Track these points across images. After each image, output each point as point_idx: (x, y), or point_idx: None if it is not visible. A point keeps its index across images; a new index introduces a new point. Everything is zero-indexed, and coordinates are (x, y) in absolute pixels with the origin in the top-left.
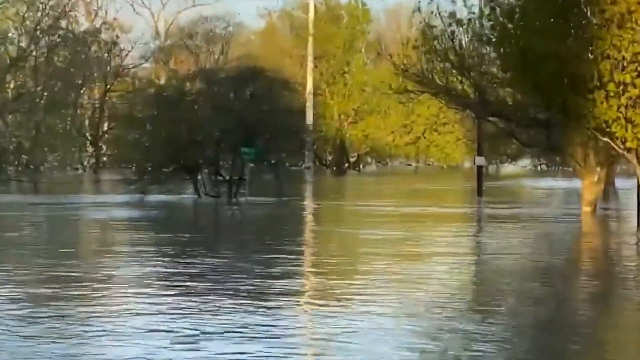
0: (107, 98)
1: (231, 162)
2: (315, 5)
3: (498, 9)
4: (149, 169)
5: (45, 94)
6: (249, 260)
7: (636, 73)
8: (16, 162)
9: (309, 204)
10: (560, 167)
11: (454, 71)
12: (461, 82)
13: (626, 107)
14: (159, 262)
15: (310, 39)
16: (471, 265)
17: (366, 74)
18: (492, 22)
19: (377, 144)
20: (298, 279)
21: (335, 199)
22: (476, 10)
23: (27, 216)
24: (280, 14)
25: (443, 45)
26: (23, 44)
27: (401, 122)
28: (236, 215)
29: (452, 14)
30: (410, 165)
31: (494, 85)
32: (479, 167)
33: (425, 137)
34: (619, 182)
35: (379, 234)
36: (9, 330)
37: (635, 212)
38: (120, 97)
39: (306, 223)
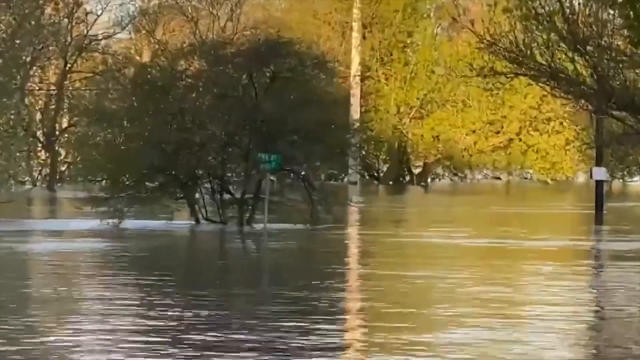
0: (67, 82)
1: (243, 175)
2: None
3: None
4: (127, 183)
5: None
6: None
7: None
8: None
9: (354, 235)
10: None
11: (562, 45)
12: (572, 60)
13: None
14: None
15: None
16: (590, 338)
17: (436, 48)
18: None
19: (452, 149)
20: None
21: (391, 227)
22: None
23: None
24: None
25: (547, 8)
26: None
27: (486, 118)
28: (250, 253)
29: None
30: (499, 178)
31: (620, 66)
32: (599, 183)
33: (520, 140)
34: None
35: (452, 279)
36: None
37: None
38: (86, 80)
39: (351, 265)
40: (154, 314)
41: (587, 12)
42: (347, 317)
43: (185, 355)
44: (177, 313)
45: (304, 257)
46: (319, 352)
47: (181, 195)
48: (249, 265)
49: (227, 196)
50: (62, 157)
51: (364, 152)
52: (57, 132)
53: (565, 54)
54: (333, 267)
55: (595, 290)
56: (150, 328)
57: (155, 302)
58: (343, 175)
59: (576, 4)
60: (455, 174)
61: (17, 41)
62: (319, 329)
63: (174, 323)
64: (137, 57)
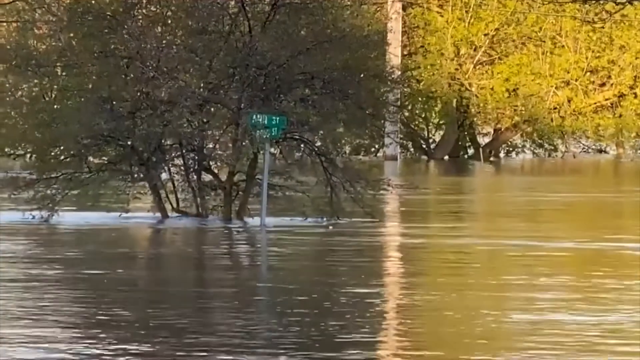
0: None
1: (231, 146)
2: None
3: None
4: (61, 158)
5: None
6: None
7: None
8: None
9: (393, 233)
10: None
11: None
12: None
13: None
14: None
15: None
16: None
17: None
18: None
19: (536, 109)
20: None
21: (449, 222)
22: None
23: None
24: None
25: None
26: None
27: (586, 64)
28: (241, 264)
29: None
30: (604, 152)
31: None
32: None
33: (636, 96)
34: None
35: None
36: None
37: None
38: (2, 9)
39: (391, 283)
40: None
41: None
42: None
43: None
44: None
45: (325, 272)
46: None
47: (140, 176)
48: (246, 286)
49: (207, 177)
50: None
51: (407, 114)
52: None
53: None
54: (371, 291)
55: None
56: None
57: None
58: (377, 147)
59: None
60: (541, 145)
61: None
62: None
63: None
64: None
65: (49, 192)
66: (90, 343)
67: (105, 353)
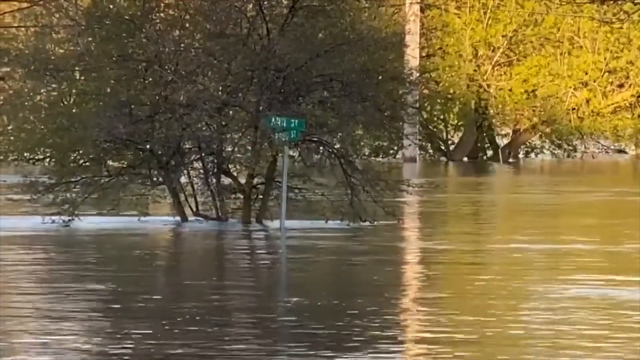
0: None
1: (250, 149)
2: None
3: None
4: (81, 162)
5: None
6: None
7: None
8: None
9: (414, 238)
10: None
11: None
12: None
13: None
14: None
15: None
16: None
17: None
18: None
19: (555, 110)
20: None
21: (472, 227)
22: None
23: None
24: None
25: None
26: None
27: (605, 65)
28: (263, 268)
29: None
30: (624, 152)
31: None
32: None
33: None
34: None
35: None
36: None
37: None
38: (20, 14)
39: (421, 289)
40: None
41: None
42: None
43: None
44: None
45: (351, 278)
46: None
47: (160, 180)
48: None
49: (226, 180)
50: None
51: (426, 115)
52: None
53: None
54: (397, 298)
55: None
56: None
57: None
58: (396, 149)
59: None
60: (560, 146)
61: None
62: None
63: None
64: None
65: (68, 196)
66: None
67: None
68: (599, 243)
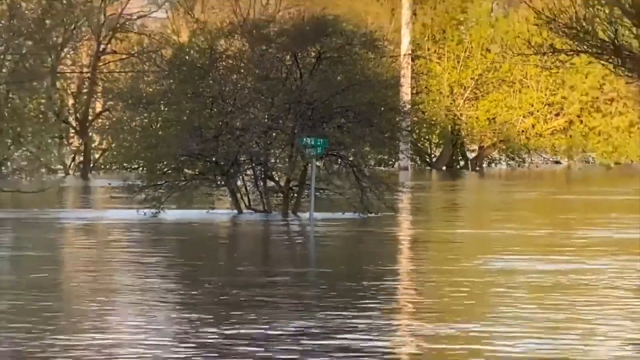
0: (100, 64)
1: (287, 161)
2: None
3: None
4: (165, 170)
5: (8, 58)
6: None
7: None
8: None
9: (407, 224)
10: None
11: (625, 20)
12: (637, 36)
13: None
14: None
15: None
16: None
17: (492, 25)
18: None
19: (509, 132)
20: None
21: (448, 217)
22: None
23: None
24: None
25: None
26: None
27: (545, 99)
28: (297, 245)
29: None
30: (559, 163)
31: None
32: None
33: (582, 122)
34: None
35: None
36: None
37: None
38: (120, 62)
39: (411, 261)
40: None
41: None
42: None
43: None
44: None
45: (364, 254)
46: None
47: (222, 183)
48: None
49: (270, 183)
50: (96, 144)
51: (415, 136)
52: (90, 118)
53: (629, 30)
54: (402, 268)
55: None
56: None
57: None
58: (394, 160)
59: None
60: (512, 159)
61: (48, 22)
62: None
63: None
64: (175, 37)
65: (156, 195)
66: None
67: None
68: (520, 229)
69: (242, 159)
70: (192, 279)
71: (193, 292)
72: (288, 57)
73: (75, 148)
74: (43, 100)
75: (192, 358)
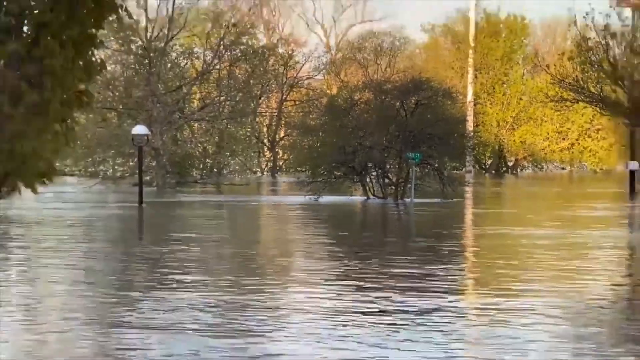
0: (283, 107)
1: (397, 166)
2: (476, 21)
3: None
4: (322, 172)
5: (228, 103)
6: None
7: None
8: (201, 166)
9: (471, 204)
10: None
11: (608, 81)
12: (615, 91)
13: None
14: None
15: (471, 51)
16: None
17: (523, 84)
18: None
19: (533, 149)
20: None
21: (495, 201)
22: (630, 23)
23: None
24: (442, 29)
25: (597, 57)
26: (208, 59)
27: (556, 129)
28: (403, 215)
29: (607, 27)
30: (564, 169)
31: None
32: (632, 172)
33: (579, 143)
34: None
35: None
36: None
37: None
38: (295, 106)
39: (474, 224)
40: None
41: (625, 59)
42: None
43: None
44: None
45: (447, 219)
46: None
47: (357, 180)
48: (411, 224)
49: (387, 180)
50: (280, 156)
51: (475, 152)
52: (276, 140)
53: (610, 87)
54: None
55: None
56: None
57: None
58: (462, 167)
59: (617, 54)
60: (536, 166)
61: (251, 81)
62: None
63: None
64: (328, 91)
65: (316, 187)
66: None
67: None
68: (545, 209)
69: (370, 165)
70: None
71: None
72: (398, 103)
73: (267, 158)
74: (248, 129)
75: None
